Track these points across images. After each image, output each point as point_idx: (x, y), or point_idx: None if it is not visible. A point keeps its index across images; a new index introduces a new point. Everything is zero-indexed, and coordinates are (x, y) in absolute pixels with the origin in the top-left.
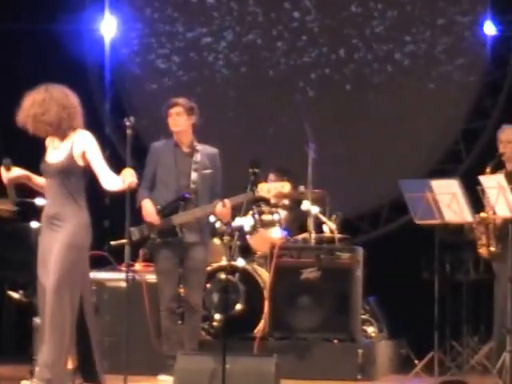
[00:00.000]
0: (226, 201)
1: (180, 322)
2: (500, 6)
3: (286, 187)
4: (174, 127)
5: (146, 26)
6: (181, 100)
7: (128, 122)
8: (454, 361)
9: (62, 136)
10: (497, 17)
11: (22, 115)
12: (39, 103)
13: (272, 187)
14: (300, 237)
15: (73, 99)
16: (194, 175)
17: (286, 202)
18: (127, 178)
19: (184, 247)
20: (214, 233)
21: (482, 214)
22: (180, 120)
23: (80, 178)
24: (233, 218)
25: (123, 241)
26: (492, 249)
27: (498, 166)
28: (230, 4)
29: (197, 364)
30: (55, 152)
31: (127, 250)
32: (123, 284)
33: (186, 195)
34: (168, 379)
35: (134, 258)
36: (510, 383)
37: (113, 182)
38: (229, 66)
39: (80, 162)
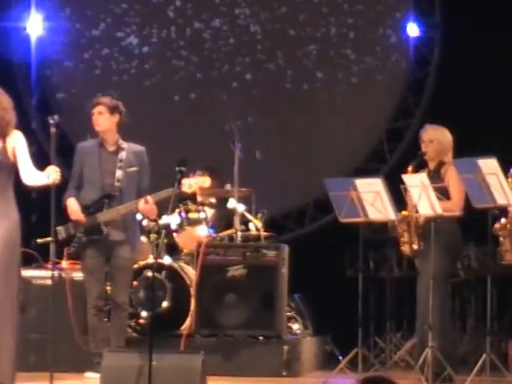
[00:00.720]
0: (149, 197)
1: (107, 319)
2: (422, 7)
3: (206, 182)
4: (97, 127)
5: (73, 24)
6: (103, 99)
7: (52, 120)
8: (377, 357)
9: (0, 135)
10: (419, 18)
11: None
12: None
13: (193, 182)
14: (226, 233)
15: (8, 98)
16: (118, 173)
17: (213, 200)
18: (52, 174)
19: (110, 245)
20: (141, 231)
21: (405, 213)
22: (102, 119)
23: (12, 174)
24: (160, 216)
25: (49, 239)
26: (414, 246)
27: (421, 166)
28: (156, 3)
29: (123, 361)
30: None
31: (52, 248)
32: (49, 282)
33: (112, 193)
34: (94, 376)
35: (60, 255)
36: (431, 378)
37: (34, 176)
38: (157, 64)
39: (12, 159)
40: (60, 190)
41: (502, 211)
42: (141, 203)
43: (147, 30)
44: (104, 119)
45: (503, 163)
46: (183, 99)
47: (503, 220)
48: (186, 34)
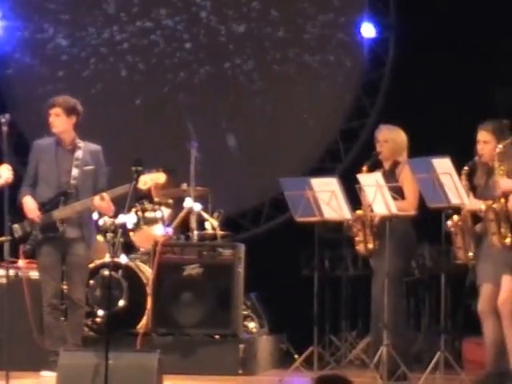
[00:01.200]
0: (104, 194)
1: (63, 317)
2: (377, 8)
3: (161, 178)
4: (54, 128)
5: (30, 22)
6: (60, 100)
7: (3, 119)
8: (332, 355)
9: None
10: (374, 19)
11: None
12: None
13: (148, 179)
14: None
15: None
16: (74, 171)
17: (169, 200)
18: (4, 174)
19: (65, 243)
20: (98, 230)
21: (360, 212)
22: (59, 121)
23: None
24: (116, 215)
25: (4, 238)
26: (369, 246)
27: (375, 165)
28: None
29: (80, 360)
30: None
31: (7, 246)
32: (5, 280)
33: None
34: (51, 375)
35: (16, 254)
36: (386, 376)
37: None
38: (114, 64)
39: None
40: (14, 187)
41: (456, 210)
42: (96, 200)
43: (106, 27)
44: (60, 121)
45: (457, 163)
46: (139, 99)
47: (455, 217)
48: (139, 31)
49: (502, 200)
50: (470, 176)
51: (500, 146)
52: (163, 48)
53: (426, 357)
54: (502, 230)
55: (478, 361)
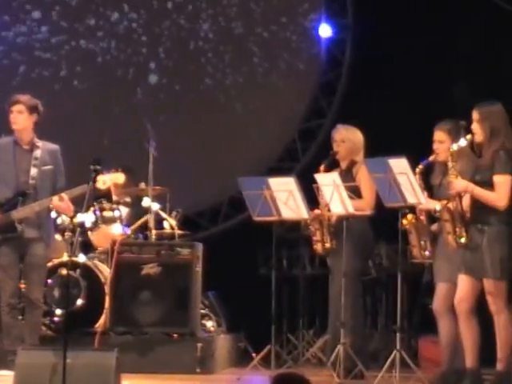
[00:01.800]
0: (63, 194)
1: (21, 317)
2: (334, 9)
3: (120, 178)
4: (15, 125)
5: None
6: (23, 98)
7: None
8: (290, 354)
9: None
10: (331, 19)
11: None
12: None
13: (107, 178)
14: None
15: None
16: (33, 171)
17: (128, 199)
18: None
19: (24, 243)
20: (56, 229)
21: (317, 211)
22: (20, 118)
23: None
24: (74, 215)
25: None
26: (327, 245)
27: (332, 165)
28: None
29: (37, 359)
30: None
31: None
32: None
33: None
34: (8, 374)
35: None
36: (343, 375)
37: None
38: (73, 64)
39: None
40: None
41: (412, 210)
42: (55, 200)
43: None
44: (22, 118)
45: (413, 163)
46: (97, 98)
47: (410, 215)
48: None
49: (457, 200)
50: (427, 176)
51: (454, 145)
52: (118, 47)
53: (383, 355)
54: (457, 229)
55: (433, 359)
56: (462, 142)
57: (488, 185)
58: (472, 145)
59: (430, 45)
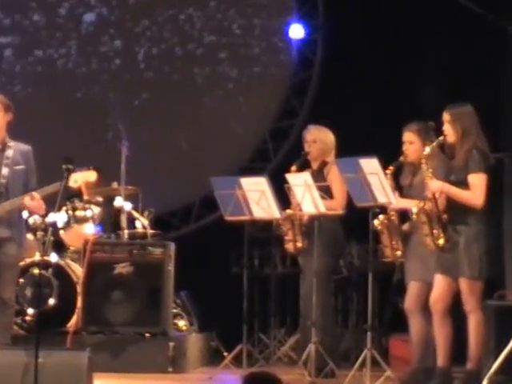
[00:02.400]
0: (34, 193)
1: None
2: (305, 9)
3: (92, 176)
4: None
5: None
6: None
7: None
8: (261, 353)
9: None
10: (303, 20)
11: None
12: None
13: (79, 177)
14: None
15: None
16: (4, 170)
17: (100, 198)
18: None
19: None
20: (28, 228)
21: (289, 211)
22: None
23: None
24: (46, 214)
25: None
26: (298, 244)
27: (304, 165)
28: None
29: (9, 358)
30: None
31: None
32: None
33: None
34: None
35: None
36: (314, 373)
37: None
38: (42, 62)
39: None
40: None
41: (383, 209)
42: (27, 199)
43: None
44: None
45: (384, 163)
46: (69, 98)
47: (381, 216)
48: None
49: (432, 201)
50: (396, 176)
51: (427, 148)
52: (88, 48)
53: (354, 354)
54: (435, 231)
55: (404, 357)
56: (435, 144)
57: (463, 184)
58: (443, 146)
59: (400, 46)
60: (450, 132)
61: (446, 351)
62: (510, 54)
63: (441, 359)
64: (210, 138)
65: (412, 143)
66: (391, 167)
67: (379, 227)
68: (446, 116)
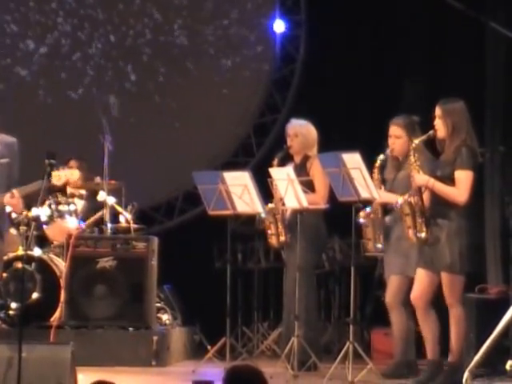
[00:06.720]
0: (14, 191)
1: None
2: (288, 5)
3: (75, 174)
4: None
5: None
6: None
7: None
8: (244, 346)
9: None
10: (285, 15)
11: None
12: None
13: (62, 175)
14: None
15: None
16: None
17: (83, 192)
18: None
19: None
20: (11, 223)
21: (272, 205)
22: None
23: None
24: (29, 209)
25: None
26: (281, 238)
27: (286, 159)
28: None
29: None
30: None
31: None
32: None
33: None
34: None
35: None
36: (297, 366)
37: None
38: (25, 56)
39: None
40: None
41: (365, 204)
42: (6, 197)
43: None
44: None
45: (366, 158)
46: (53, 92)
47: (368, 209)
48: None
49: (417, 194)
50: (381, 170)
51: (416, 141)
52: (76, 43)
53: (336, 347)
54: (418, 224)
55: (386, 351)
56: (425, 137)
57: (449, 180)
58: (432, 141)
59: (383, 41)
60: (440, 127)
61: (434, 344)
62: (489, 49)
63: (430, 352)
64: (193, 133)
65: (398, 137)
66: (379, 161)
67: (365, 220)
68: (437, 111)
